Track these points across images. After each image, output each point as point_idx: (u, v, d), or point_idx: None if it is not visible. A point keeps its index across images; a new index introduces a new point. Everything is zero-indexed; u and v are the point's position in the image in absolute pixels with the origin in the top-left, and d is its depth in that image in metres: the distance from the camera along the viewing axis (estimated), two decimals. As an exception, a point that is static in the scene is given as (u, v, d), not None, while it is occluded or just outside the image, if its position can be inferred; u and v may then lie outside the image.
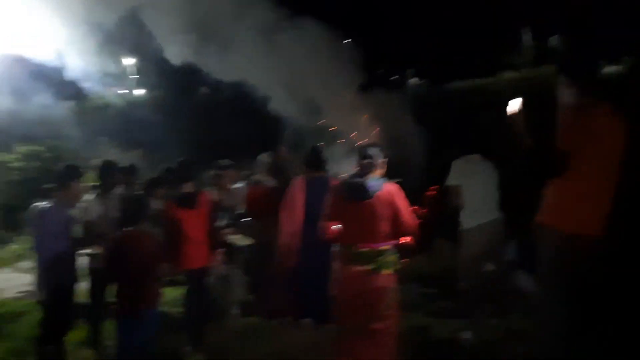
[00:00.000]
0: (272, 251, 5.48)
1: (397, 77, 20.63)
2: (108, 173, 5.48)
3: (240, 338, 5.17)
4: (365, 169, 3.95)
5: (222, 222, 5.60)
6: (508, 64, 18.38)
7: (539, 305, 3.16)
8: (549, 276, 3.01)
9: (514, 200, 5.12)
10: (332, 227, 4.02)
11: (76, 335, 5.21)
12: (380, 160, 4.03)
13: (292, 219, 5.16)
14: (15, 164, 14.67)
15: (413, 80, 21.17)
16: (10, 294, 8.43)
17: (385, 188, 3.90)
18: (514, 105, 3.13)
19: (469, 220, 5.12)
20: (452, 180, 5.19)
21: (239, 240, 5.47)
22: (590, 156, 2.83)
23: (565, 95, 3.09)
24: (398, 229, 3.94)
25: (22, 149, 14.78)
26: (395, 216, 3.89)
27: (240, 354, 4.82)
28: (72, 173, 4.84)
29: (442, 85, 17.68)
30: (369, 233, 3.87)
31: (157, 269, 4.33)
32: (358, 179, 3.92)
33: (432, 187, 7.94)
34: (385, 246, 3.90)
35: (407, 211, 3.98)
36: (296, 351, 4.78)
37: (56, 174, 4.96)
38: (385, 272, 3.89)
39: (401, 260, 6.67)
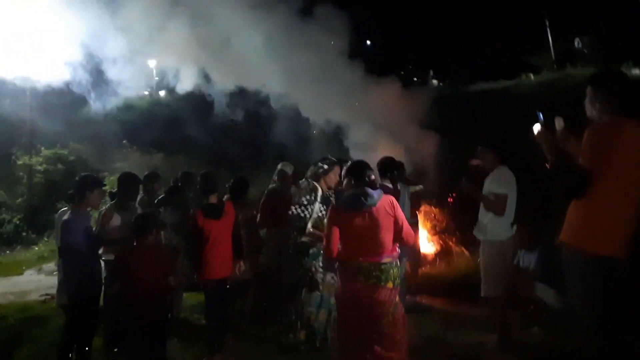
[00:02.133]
0: (288, 259, 5.49)
1: (418, 79, 20.52)
2: (127, 185, 5.51)
3: (258, 347, 5.18)
4: (362, 181, 3.93)
5: None
6: (531, 66, 18.18)
7: (567, 325, 3.11)
8: (574, 297, 2.95)
9: (535, 211, 5.05)
10: (333, 243, 3.93)
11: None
12: (374, 174, 4.06)
13: None
14: (40, 167, 14.97)
15: (433, 82, 21.06)
16: (34, 296, 8.56)
17: (383, 198, 3.89)
18: (539, 121, 3.07)
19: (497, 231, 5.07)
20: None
21: None
22: (615, 175, 2.74)
23: (591, 109, 3.01)
24: (397, 238, 3.91)
25: (47, 152, 15.09)
26: (395, 225, 3.87)
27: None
28: (89, 183, 4.87)
29: (463, 86, 17.55)
30: (370, 245, 3.82)
31: (165, 280, 4.41)
32: (356, 190, 3.90)
33: (452, 194, 7.91)
34: (386, 259, 3.86)
35: (404, 221, 3.94)
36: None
37: (74, 183, 4.99)
38: (388, 285, 3.85)
39: (418, 269, 6.65)
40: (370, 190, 3.84)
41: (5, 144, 14.93)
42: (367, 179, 3.92)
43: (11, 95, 9.29)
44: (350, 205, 3.88)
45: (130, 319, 4.31)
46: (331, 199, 4.81)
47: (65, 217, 4.79)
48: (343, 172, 4.14)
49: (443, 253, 7.46)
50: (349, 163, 4.15)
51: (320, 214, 4.90)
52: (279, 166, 6.29)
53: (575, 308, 2.99)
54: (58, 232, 5.01)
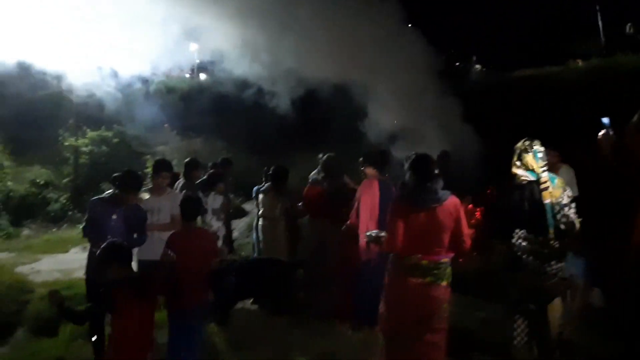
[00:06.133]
0: (328, 251, 5.52)
1: (460, 64, 20.05)
2: (160, 174, 5.60)
3: (292, 335, 5.25)
4: (430, 177, 3.86)
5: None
6: (579, 52, 17.53)
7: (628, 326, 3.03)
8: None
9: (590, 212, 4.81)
10: (397, 237, 3.86)
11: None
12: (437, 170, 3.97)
13: (371, 219, 5.07)
14: (86, 149, 15.39)
15: (476, 67, 20.56)
16: (79, 274, 8.81)
17: (449, 199, 3.83)
18: (604, 126, 2.99)
19: None
20: None
21: None
22: None
23: None
24: (455, 244, 3.86)
25: (92, 134, 15.50)
26: (456, 229, 3.81)
27: (290, 351, 4.89)
28: (132, 182, 4.97)
29: (507, 72, 17.08)
30: (430, 244, 3.81)
31: (211, 263, 4.48)
32: (422, 186, 3.83)
33: (490, 186, 7.71)
34: (444, 259, 3.85)
35: (466, 228, 3.88)
36: (345, 352, 4.81)
37: (118, 178, 5.09)
38: (443, 283, 3.84)
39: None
40: (438, 189, 3.79)
41: (54, 125, 15.38)
42: (432, 174, 3.86)
43: (58, 77, 9.50)
44: (415, 201, 3.84)
45: (174, 301, 4.40)
46: None
47: (102, 204, 4.96)
48: (406, 166, 4.04)
49: (479, 245, 7.28)
50: (413, 156, 4.04)
51: None
52: (324, 157, 6.11)
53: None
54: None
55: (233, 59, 9.45)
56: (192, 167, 6.74)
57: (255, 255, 7.11)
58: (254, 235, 7.09)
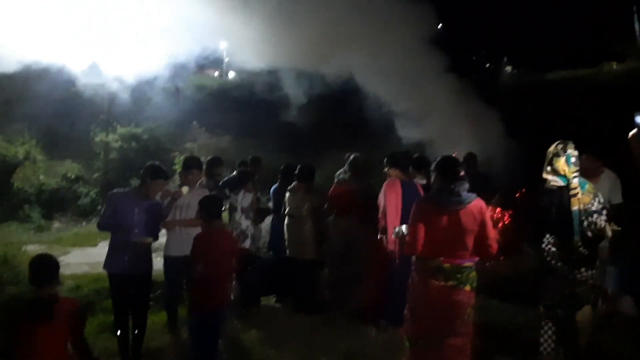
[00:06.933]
0: (353, 250, 5.49)
1: (490, 65, 19.82)
2: (190, 171, 5.62)
3: (317, 334, 5.24)
4: (454, 178, 3.81)
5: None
6: (613, 54, 17.15)
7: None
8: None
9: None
10: (418, 240, 3.81)
11: (157, 318, 5.57)
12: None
13: (393, 219, 5.04)
14: (116, 144, 15.67)
15: (507, 69, 20.30)
16: (107, 268, 8.99)
17: (474, 202, 3.78)
18: (637, 125, 2.91)
19: None
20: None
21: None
22: None
23: None
24: (480, 247, 3.79)
25: (122, 130, 15.76)
26: (481, 233, 3.75)
27: (314, 351, 4.88)
28: (154, 173, 4.97)
29: (539, 74, 16.81)
30: (453, 247, 3.75)
31: (232, 266, 4.49)
32: (451, 187, 3.77)
33: (521, 189, 7.59)
34: (468, 263, 3.79)
35: (492, 232, 3.81)
36: (370, 352, 4.79)
37: (143, 170, 5.11)
38: (466, 288, 3.78)
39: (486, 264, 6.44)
40: (462, 191, 3.75)
41: (85, 120, 15.66)
42: (457, 176, 3.79)
43: (90, 74, 9.68)
44: (437, 203, 3.81)
45: (195, 300, 4.43)
46: None
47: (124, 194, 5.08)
48: (432, 167, 4.03)
49: (508, 250, 7.18)
50: (439, 158, 4.02)
51: None
52: (352, 157, 6.12)
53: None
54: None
55: (259, 58, 9.49)
56: (214, 164, 6.77)
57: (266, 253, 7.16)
58: (270, 234, 7.13)
